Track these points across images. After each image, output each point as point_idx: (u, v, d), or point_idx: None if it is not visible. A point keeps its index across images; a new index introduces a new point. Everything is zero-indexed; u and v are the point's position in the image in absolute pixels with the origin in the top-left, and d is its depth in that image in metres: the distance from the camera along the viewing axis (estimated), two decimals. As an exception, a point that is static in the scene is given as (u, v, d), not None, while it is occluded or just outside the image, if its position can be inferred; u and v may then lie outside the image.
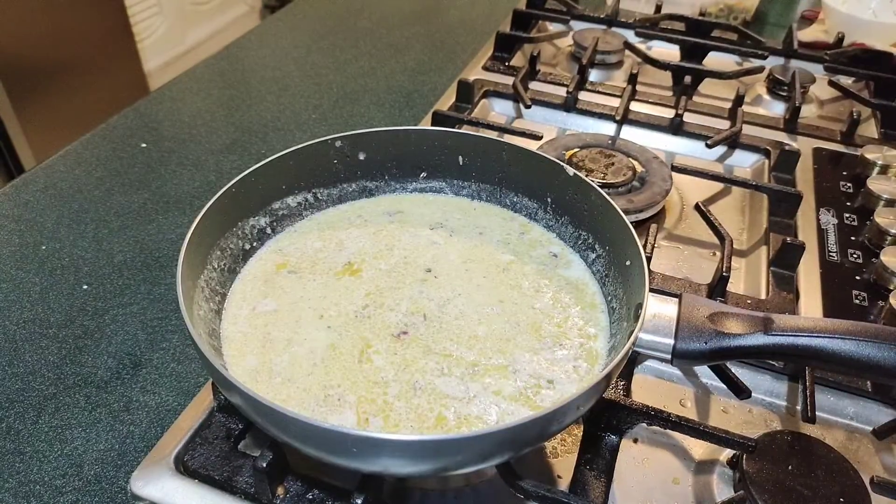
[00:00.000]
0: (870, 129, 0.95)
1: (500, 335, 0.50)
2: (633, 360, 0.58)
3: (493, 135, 0.78)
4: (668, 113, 0.91)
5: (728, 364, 0.56)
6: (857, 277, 0.67)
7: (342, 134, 0.59)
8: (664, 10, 1.16)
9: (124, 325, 0.64)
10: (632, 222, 0.50)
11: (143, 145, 0.89)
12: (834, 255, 0.70)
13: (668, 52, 1.11)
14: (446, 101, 0.94)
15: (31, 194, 0.80)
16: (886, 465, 0.53)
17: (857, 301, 0.65)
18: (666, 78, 1.03)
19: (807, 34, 1.17)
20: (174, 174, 0.84)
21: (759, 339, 0.44)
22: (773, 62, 1.06)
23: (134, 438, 0.54)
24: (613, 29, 1.13)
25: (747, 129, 0.89)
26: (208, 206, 0.50)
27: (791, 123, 0.92)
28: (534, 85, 0.99)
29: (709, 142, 0.84)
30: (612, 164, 0.78)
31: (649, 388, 0.58)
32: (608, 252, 0.54)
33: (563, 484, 0.50)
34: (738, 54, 1.08)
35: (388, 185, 0.63)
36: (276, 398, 0.45)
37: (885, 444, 0.55)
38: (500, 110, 0.96)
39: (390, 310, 0.51)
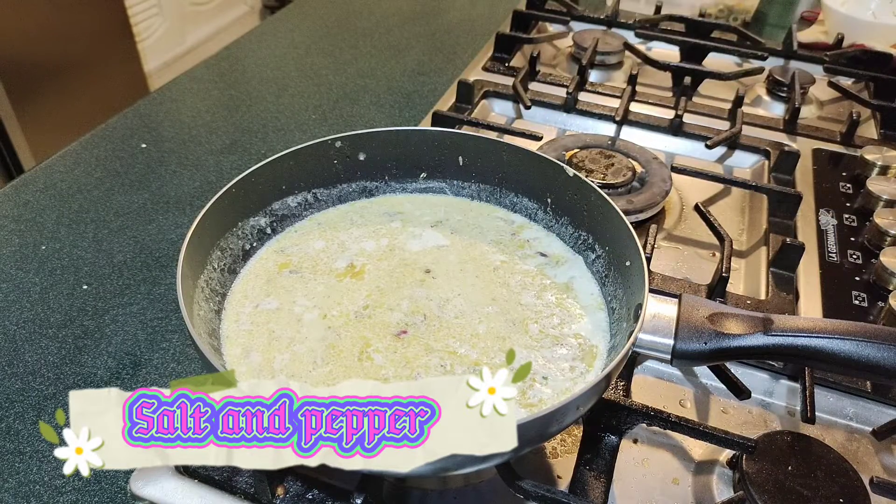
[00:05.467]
0: (869, 129, 0.95)
1: (498, 334, 0.50)
2: (632, 361, 0.58)
3: (493, 135, 0.78)
4: (668, 114, 0.91)
5: (728, 364, 0.56)
6: (857, 278, 0.67)
7: (342, 134, 0.59)
8: (664, 11, 1.16)
9: (124, 326, 0.64)
10: (631, 223, 0.50)
11: (143, 146, 0.89)
12: (833, 255, 0.70)
13: (667, 52, 1.11)
14: (446, 102, 0.94)
15: (31, 194, 0.80)
16: (886, 465, 0.53)
17: (857, 302, 0.65)
18: (666, 79, 1.03)
19: (806, 35, 1.17)
20: (174, 174, 0.84)
21: (759, 340, 0.44)
22: (772, 63, 1.06)
23: (134, 438, 0.54)
24: (613, 30, 1.13)
25: (747, 130, 0.89)
26: (208, 207, 0.50)
27: (791, 124, 0.92)
28: (534, 86, 0.99)
29: (709, 142, 0.84)
30: (612, 164, 0.78)
31: (649, 389, 0.58)
32: (608, 252, 0.54)
33: (563, 484, 0.50)
34: (737, 55, 1.08)
35: (388, 185, 0.63)
36: (276, 398, 0.45)
37: (885, 445, 0.55)
38: (499, 111, 0.96)
39: (390, 310, 0.51)
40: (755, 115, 0.94)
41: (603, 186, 0.74)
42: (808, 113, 0.98)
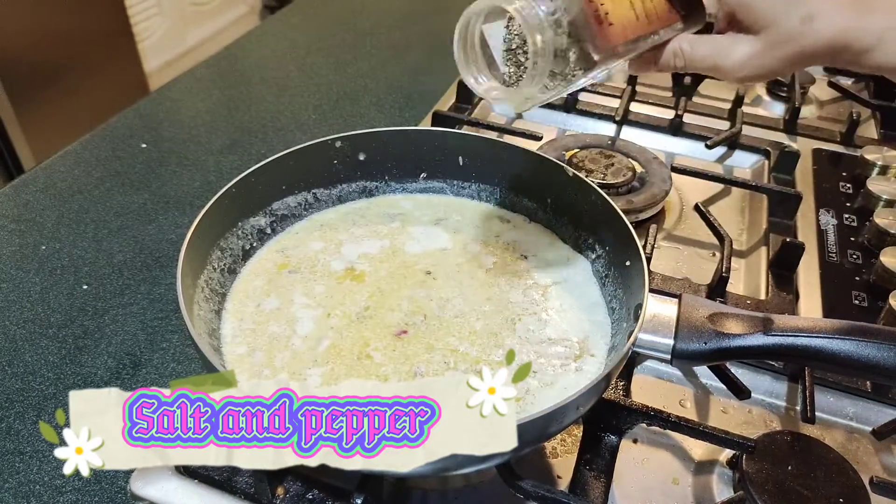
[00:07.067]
0: (869, 129, 0.95)
1: (497, 332, 0.50)
2: (632, 361, 0.58)
3: (493, 135, 0.78)
4: (668, 114, 0.91)
5: (727, 364, 0.56)
6: (857, 278, 0.67)
7: (342, 134, 0.59)
8: (664, 11, 1.16)
9: (124, 326, 0.64)
10: (631, 223, 0.50)
11: (143, 145, 0.89)
12: (833, 255, 0.70)
13: (667, 52, 1.11)
14: (446, 102, 0.94)
15: (31, 194, 0.80)
16: (886, 465, 0.53)
17: (857, 302, 0.65)
18: (665, 79, 1.02)
19: (806, 35, 1.16)
20: (174, 174, 0.84)
21: (759, 340, 0.44)
22: (772, 63, 1.06)
23: (134, 438, 0.54)
24: (613, 29, 1.13)
25: (747, 130, 0.89)
26: (208, 207, 0.50)
27: (791, 124, 0.92)
28: (534, 85, 0.98)
29: (709, 142, 0.84)
30: (612, 164, 0.78)
31: (649, 389, 0.58)
32: (608, 252, 0.54)
33: (563, 484, 0.50)
34: (737, 55, 1.07)
35: (388, 185, 0.63)
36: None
37: (885, 445, 0.55)
38: (500, 111, 0.96)
39: (391, 310, 0.51)
40: (755, 115, 0.94)
41: (603, 186, 0.74)
42: (808, 113, 0.97)
